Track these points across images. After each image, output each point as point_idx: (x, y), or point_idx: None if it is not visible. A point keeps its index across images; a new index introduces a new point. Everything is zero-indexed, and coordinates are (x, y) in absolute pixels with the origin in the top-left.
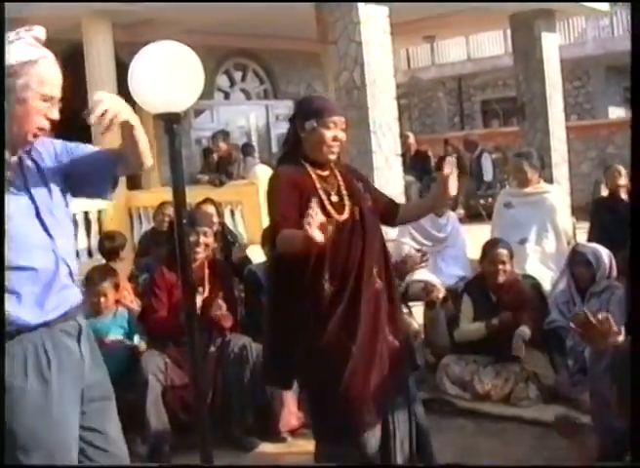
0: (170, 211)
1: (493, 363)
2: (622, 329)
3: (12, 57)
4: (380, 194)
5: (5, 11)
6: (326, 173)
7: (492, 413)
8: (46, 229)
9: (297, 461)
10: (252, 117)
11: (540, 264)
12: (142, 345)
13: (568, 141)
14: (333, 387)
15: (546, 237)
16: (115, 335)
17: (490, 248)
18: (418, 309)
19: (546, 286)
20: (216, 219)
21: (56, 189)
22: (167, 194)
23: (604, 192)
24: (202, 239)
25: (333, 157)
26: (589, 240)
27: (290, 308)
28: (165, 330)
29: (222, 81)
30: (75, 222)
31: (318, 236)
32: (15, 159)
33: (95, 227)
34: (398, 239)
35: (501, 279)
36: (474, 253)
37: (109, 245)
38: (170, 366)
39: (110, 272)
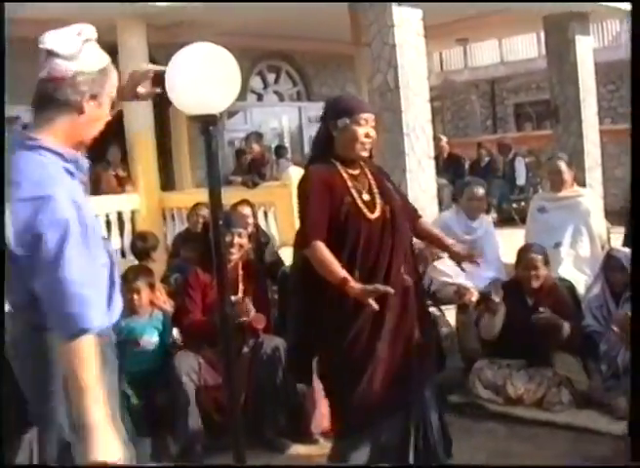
0: (204, 212)
1: (526, 367)
2: None
3: (94, 60)
4: (407, 199)
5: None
6: (357, 171)
7: (524, 418)
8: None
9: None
10: (284, 119)
11: (574, 268)
12: (178, 343)
13: (601, 145)
14: (356, 382)
15: (581, 241)
16: (150, 336)
17: (524, 253)
18: (450, 312)
19: (580, 290)
20: (251, 221)
21: None
22: (200, 195)
23: None
24: (236, 240)
25: (365, 154)
26: (624, 245)
27: (319, 304)
28: (199, 331)
29: (256, 83)
30: (108, 223)
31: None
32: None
33: (128, 228)
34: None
35: (536, 284)
36: (506, 257)
37: (142, 245)
38: (203, 366)
39: (145, 271)
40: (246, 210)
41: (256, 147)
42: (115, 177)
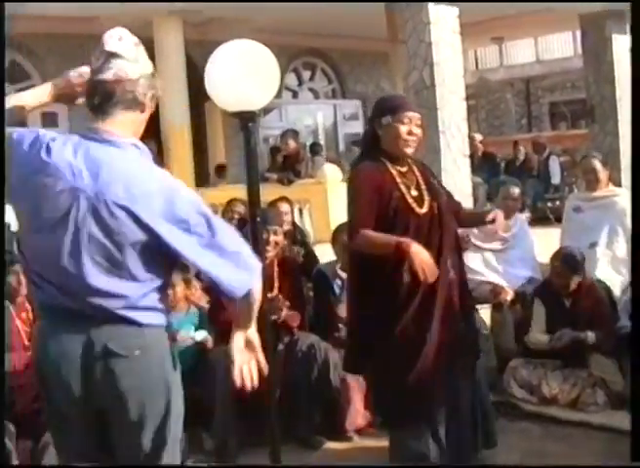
0: (239, 208)
1: (561, 367)
2: None
3: (148, 62)
4: (451, 194)
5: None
6: (404, 168)
7: (558, 418)
8: None
9: (362, 460)
10: (319, 116)
11: (610, 269)
12: (210, 341)
13: None
14: (405, 373)
15: (617, 241)
16: (187, 332)
17: (554, 260)
18: (485, 312)
19: (616, 291)
20: (289, 218)
21: None
22: (236, 191)
23: None
24: (272, 237)
25: (409, 150)
26: None
27: (371, 297)
28: None
29: (291, 80)
30: None
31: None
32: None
33: None
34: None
35: (573, 285)
36: (541, 256)
37: None
38: None
39: (179, 267)
40: (284, 207)
41: (292, 144)
42: None
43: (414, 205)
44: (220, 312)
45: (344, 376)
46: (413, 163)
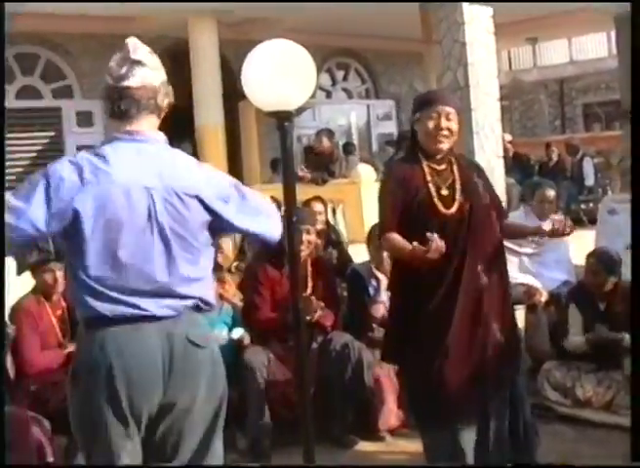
0: None
1: (595, 370)
2: None
3: (164, 70)
4: (498, 198)
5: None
6: (442, 166)
7: (592, 420)
8: None
9: (395, 461)
10: (353, 116)
11: None
12: (247, 339)
13: None
14: (433, 374)
15: None
16: (220, 331)
17: (590, 258)
18: (519, 313)
19: None
20: (322, 218)
21: None
22: (269, 191)
23: None
24: (305, 237)
25: (441, 146)
26: None
27: (400, 294)
28: (269, 326)
29: (325, 80)
30: None
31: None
32: None
33: None
34: None
35: (609, 286)
36: (575, 258)
37: None
38: (273, 361)
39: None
40: (318, 206)
41: (326, 143)
42: None
43: (439, 204)
44: (255, 312)
45: (378, 376)
46: (455, 161)
